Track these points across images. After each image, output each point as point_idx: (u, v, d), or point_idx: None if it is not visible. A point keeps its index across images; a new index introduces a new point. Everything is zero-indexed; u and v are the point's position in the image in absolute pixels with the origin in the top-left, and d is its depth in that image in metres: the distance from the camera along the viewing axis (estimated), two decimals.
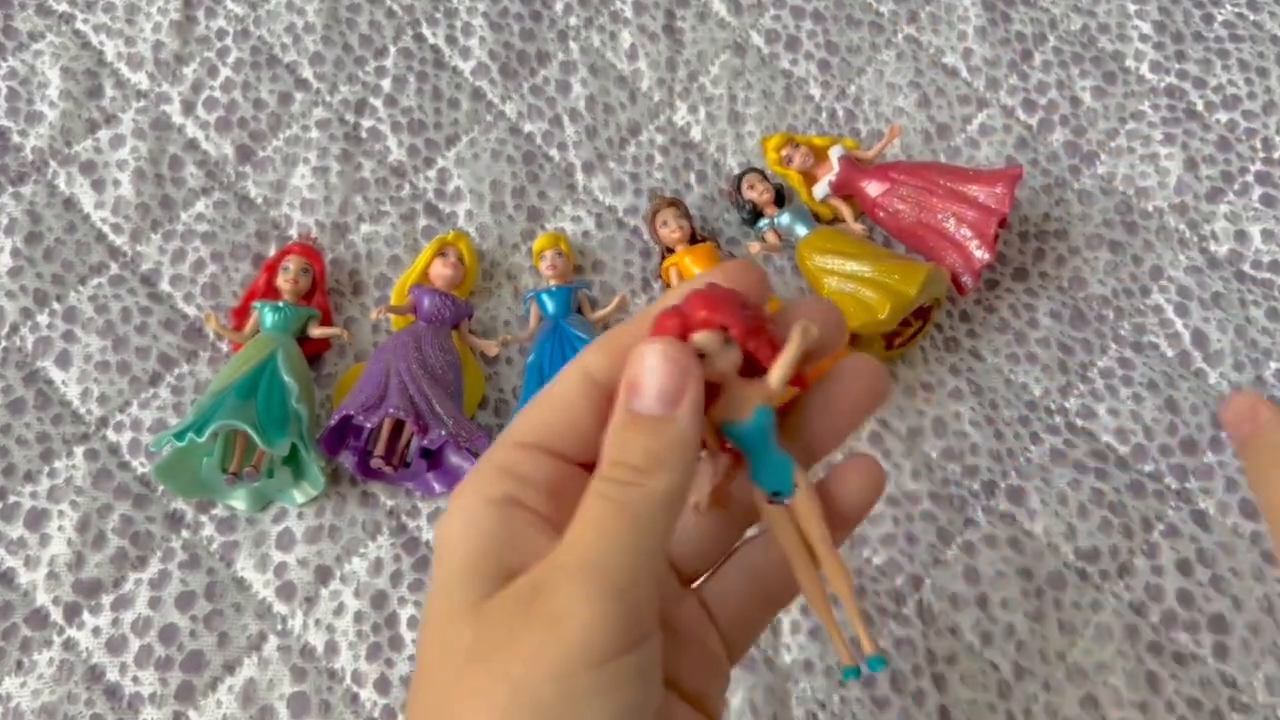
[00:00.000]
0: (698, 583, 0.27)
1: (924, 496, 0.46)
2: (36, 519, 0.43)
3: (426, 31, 0.55)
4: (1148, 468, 0.47)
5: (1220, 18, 0.58)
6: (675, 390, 0.22)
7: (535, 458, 0.24)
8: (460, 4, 0.56)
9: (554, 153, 0.53)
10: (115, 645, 0.42)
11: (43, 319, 0.47)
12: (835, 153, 0.51)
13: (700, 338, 0.23)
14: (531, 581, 0.22)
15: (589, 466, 0.24)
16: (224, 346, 0.47)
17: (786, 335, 0.24)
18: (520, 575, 0.22)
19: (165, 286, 0.48)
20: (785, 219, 0.50)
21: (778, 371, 0.24)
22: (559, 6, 0.56)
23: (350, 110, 0.53)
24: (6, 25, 0.53)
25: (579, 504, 0.22)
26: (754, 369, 0.24)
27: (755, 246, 0.51)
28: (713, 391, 0.24)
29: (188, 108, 0.52)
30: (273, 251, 0.49)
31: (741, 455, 0.25)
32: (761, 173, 0.52)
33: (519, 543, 0.23)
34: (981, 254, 0.48)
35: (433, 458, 0.45)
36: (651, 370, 0.23)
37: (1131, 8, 0.58)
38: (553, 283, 0.49)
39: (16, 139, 0.50)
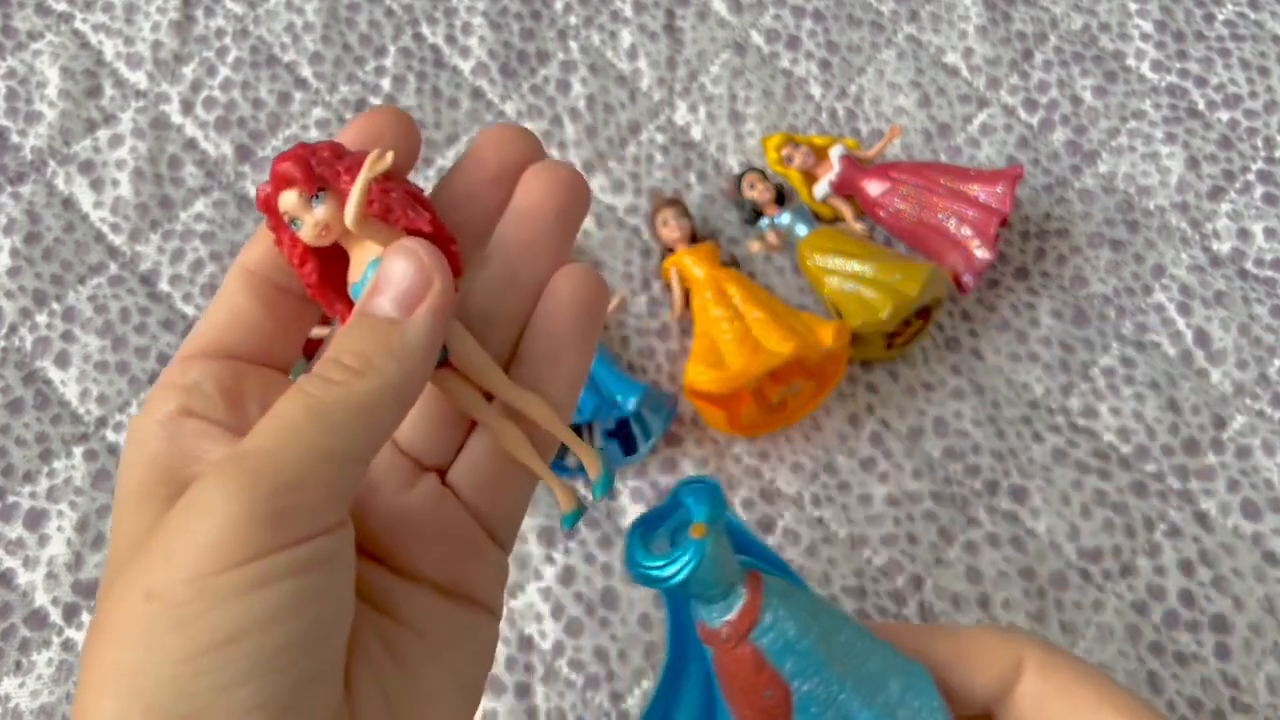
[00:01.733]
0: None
1: (925, 496, 0.46)
2: (35, 519, 0.43)
3: (426, 31, 0.55)
4: (1150, 467, 0.47)
5: (1221, 17, 0.58)
6: (413, 293, 0.21)
7: (203, 365, 0.22)
8: (460, 3, 0.56)
9: (554, 152, 0.53)
10: None
11: (41, 319, 0.47)
12: (836, 152, 0.51)
13: (281, 202, 0.21)
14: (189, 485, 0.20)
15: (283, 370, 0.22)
16: None
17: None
18: None
19: (164, 286, 0.48)
20: (786, 218, 0.50)
21: (348, 209, 0.21)
22: (559, 5, 0.56)
23: (350, 110, 0.53)
24: (5, 25, 0.53)
25: None
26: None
27: (756, 245, 0.51)
28: (341, 260, 0.22)
29: (187, 107, 0.52)
30: None
31: None
32: (762, 172, 0.51)
33: (194, 455, 0.21)
34: (983, 253, 0.48)
35: None
36: (394, 269, 0.21)
37: (1133, 6, 0.58)
38: None
39: (15, 139, 0.50)
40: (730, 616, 0.22)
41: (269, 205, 0.21)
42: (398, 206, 0.21)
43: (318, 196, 0.21)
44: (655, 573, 0.22)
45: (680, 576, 0.22)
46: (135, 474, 0.21)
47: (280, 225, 0.22)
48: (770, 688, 0.22)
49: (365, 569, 0.22)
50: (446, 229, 0.22)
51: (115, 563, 0.20)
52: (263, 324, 0.22)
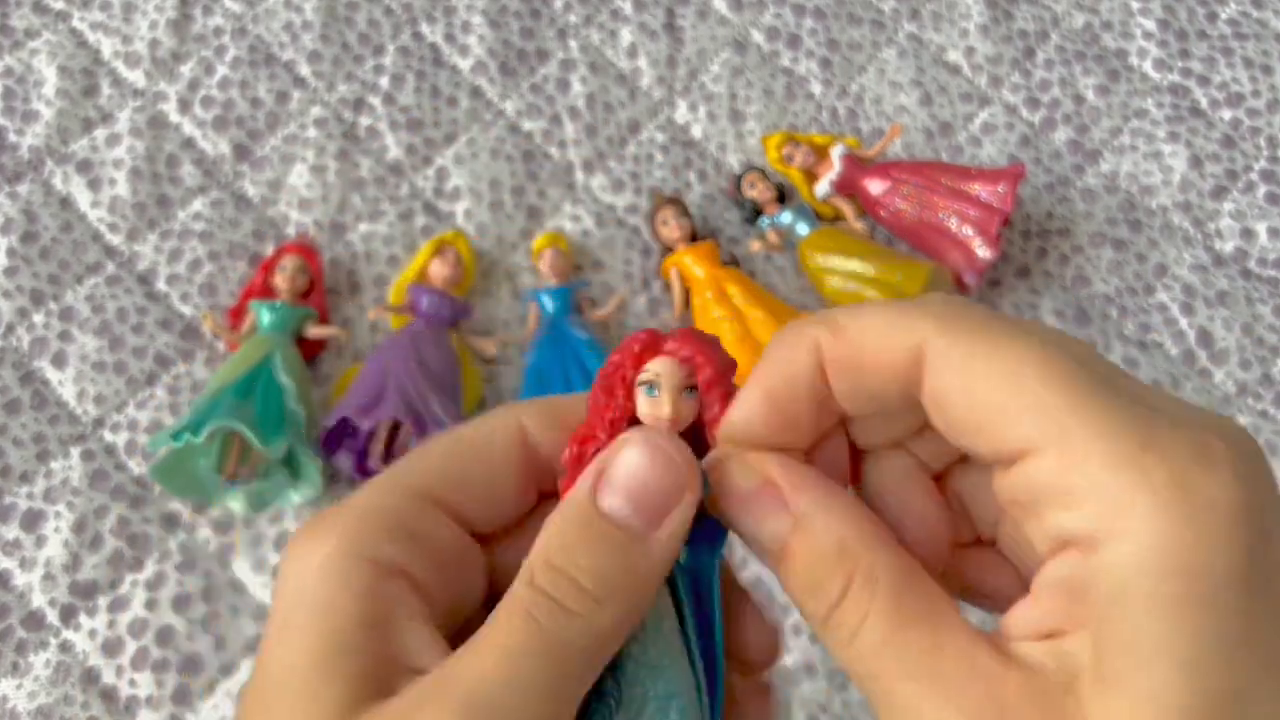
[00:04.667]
0: None
1: None
2: (33, 520, 0.43)
3: (425, 29, 0.55)
4: None
5: (1224, 15, 0.58)
6: (664, 501, 0.17)
7: (438, 518, 0.18)
8: (459, 1, 0.55)
9: (553, 151, 0.52)
10: (112, 647, 0.41)
11: (39, 319, 0.47)
12: (837, 151, 0.51)
13: (659, 364, 0.19)
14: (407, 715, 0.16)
15: (480, 539, 0.19)
16: (221, 346, 0.47)
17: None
18: (391, 688, 0.16)
19: (162, 286, 0.48)
20: (786, 218, 0.50)
21: (734, 426, 0.19)
22: (558, 4, 0.56)
23: (348, 109, 0.52)
24: (3, 23, 0.53)
25: (495, 610, 0.17)
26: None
27: (756, 245, 0.50)
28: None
29: (184, 106, 0.52)
30: (270, 251, 0.49)
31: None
32: (763, 171, 0.51)
33: (396, 632, 0.17)
34: (984, 252, 0.47)
35: None
36: (637, 464, 0.17)
37: (1135, 5, 0.58)
38: (552, 281, 0.48)
39: (13, 138, 0.50)
40: None
41: (638, 360, 0.19)
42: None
43: (691, 390, 0.19)
44: None
45: None
46: (329, 619, 0.17)
47: (618, 385, 0.19)
48: None
49: None
50: None
51: None
52: (510, 504, 0.19)
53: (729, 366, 0.19)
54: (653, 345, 0.19)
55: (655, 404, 0.19)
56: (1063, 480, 0.15)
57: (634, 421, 0.19)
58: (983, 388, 0.16)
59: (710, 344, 0.19)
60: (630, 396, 0.19)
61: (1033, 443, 0.15)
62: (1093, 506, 0.15)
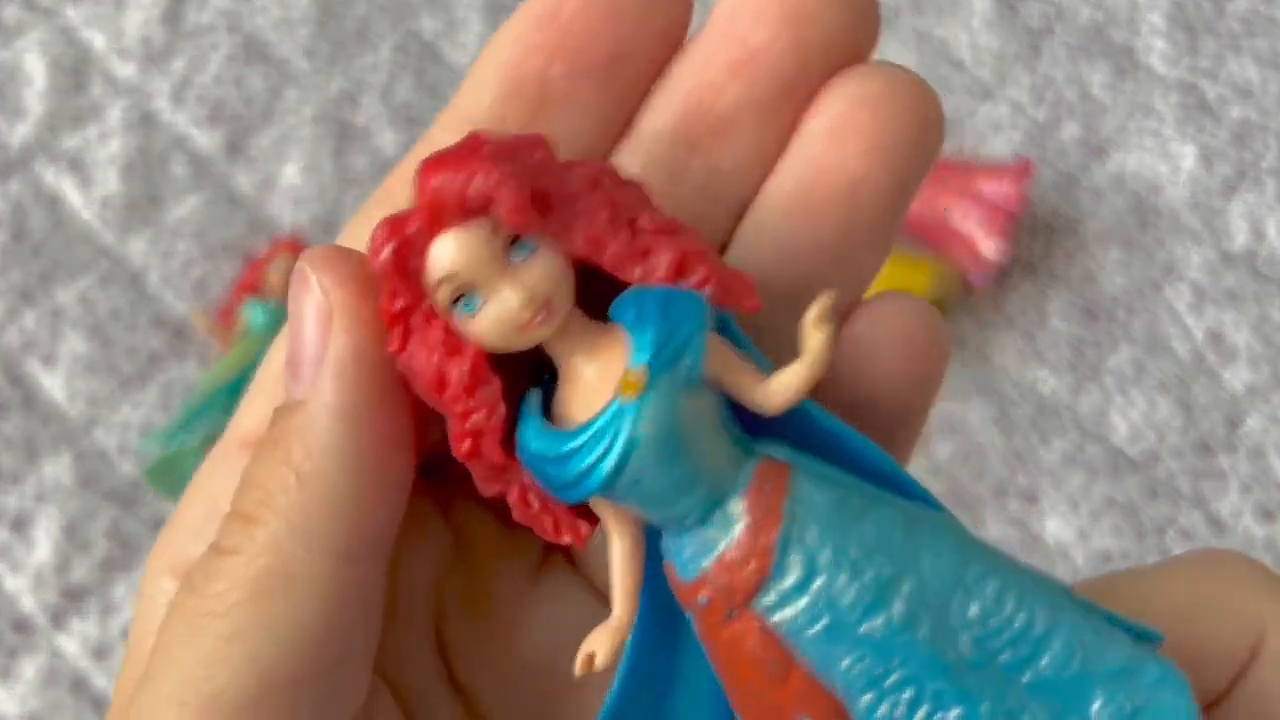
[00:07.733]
0: None
1: None
2: (22, 522, 0.43)
3: (420, 24, 0.54)
4: (1161, 470, 0.46)
5: (1234, 10, 0.57)
6: (307, 345, 0.12)
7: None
8: None
9: None
10: (103, 652, 0.41)
11: (29, 318, 0.46)
12: None
13: (439, 257, 0.11)
14: None
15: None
16: (214, 345, 0.46)
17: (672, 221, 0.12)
18: None
19: (154, 285, 0.47)
20: None
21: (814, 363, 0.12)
22: None
23: (345, 105, 0.52)
24: None
25: None
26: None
27: None
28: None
29: (177, 102, 0.51)
30: (263, 249, 0.48)
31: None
32: None
33: None
34: (991, 252, 0.47)
35: None
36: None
37: (1142, 0, 0.57)
38: None
39: (1, 134, 0.50)
40: (710, 562, 0.11)
41: (400, 266, 0.11)
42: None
43: (522, 243, 0.11)
44: (551, 469, 0.12)
45: (598, 474, 0.11)
46: None
47: (412, 314, 0.12)
48: (803, 706, 0.11)
49: None
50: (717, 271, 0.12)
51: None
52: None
53: (541, 161, 0.12)
54: (400, 229, 0.11)
55: (495, 313, 0.11)
56: None
57: (494, 360, 0.12)
58: None
59: (482, 152, 0.11)
60: (451, 338, 0.11)
61: None
62: None
